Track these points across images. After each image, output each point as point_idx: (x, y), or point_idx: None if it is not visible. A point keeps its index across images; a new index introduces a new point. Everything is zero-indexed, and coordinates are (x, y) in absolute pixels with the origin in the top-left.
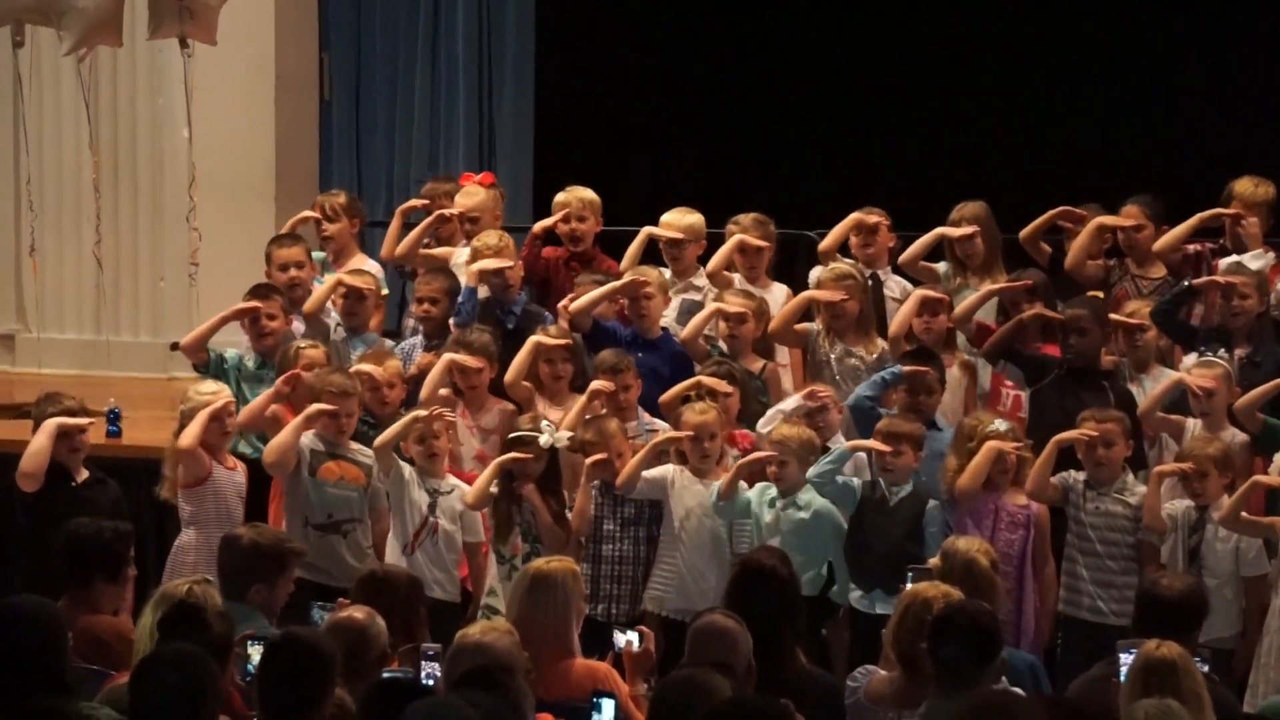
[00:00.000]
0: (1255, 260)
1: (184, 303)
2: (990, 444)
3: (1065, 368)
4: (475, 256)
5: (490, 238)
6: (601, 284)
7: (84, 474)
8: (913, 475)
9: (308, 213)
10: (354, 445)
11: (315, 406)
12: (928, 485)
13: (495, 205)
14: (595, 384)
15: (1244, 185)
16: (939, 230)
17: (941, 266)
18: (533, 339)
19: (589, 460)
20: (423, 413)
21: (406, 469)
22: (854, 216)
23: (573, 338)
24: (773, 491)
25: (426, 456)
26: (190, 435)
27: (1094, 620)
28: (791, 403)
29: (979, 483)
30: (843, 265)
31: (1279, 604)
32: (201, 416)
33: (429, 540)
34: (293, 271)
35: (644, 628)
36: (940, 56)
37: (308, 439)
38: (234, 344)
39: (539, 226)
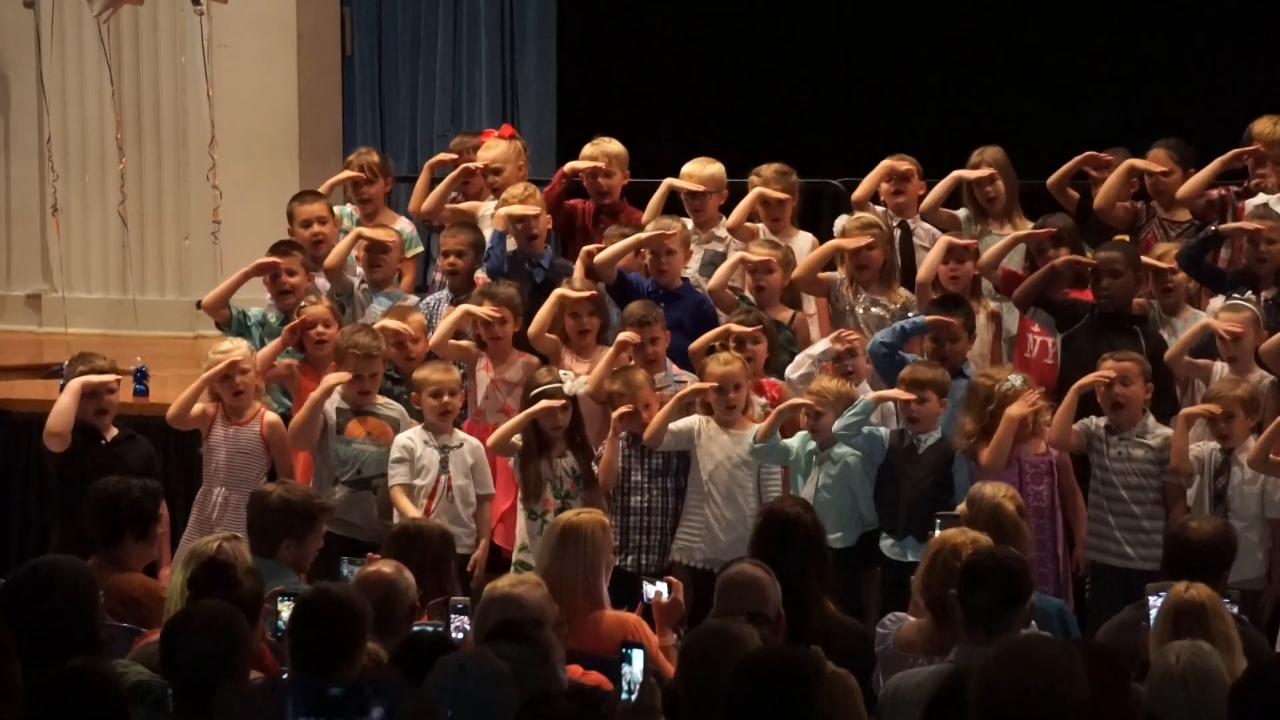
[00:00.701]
0: None
1: (209, 261)
2: (1010, 415)
3: (1097, 312)
4: (504, 205)
5: (517, 188)
6: (624, 235)
7: (113, 432)
8: (942, 422)
9: (349, 173)
10: (380, 399)
11: (332, 379)
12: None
13: (518, 157)
14: (622, 335)
15: (1263, 125)
16: (956, 173)
17: (961, 213)
18: (557, 291)
19: (615, 413)
20: (474, 308)
21: (410, 436)
22: (885, 164)
23: (597, 290)
24: (813, 444)
25: (439, 414)
26: (177, 404)
27: (1121, 565)
28: (820, 347)
29: (1005, 457)
30: (868, 214)
31: None
32: (194, 385)
33: (444, 498)
34: (315, 228)
35: (673, 578)
36: (960, 2)
37: (333, 399)
38: (259, 301)
39: (569, 166)
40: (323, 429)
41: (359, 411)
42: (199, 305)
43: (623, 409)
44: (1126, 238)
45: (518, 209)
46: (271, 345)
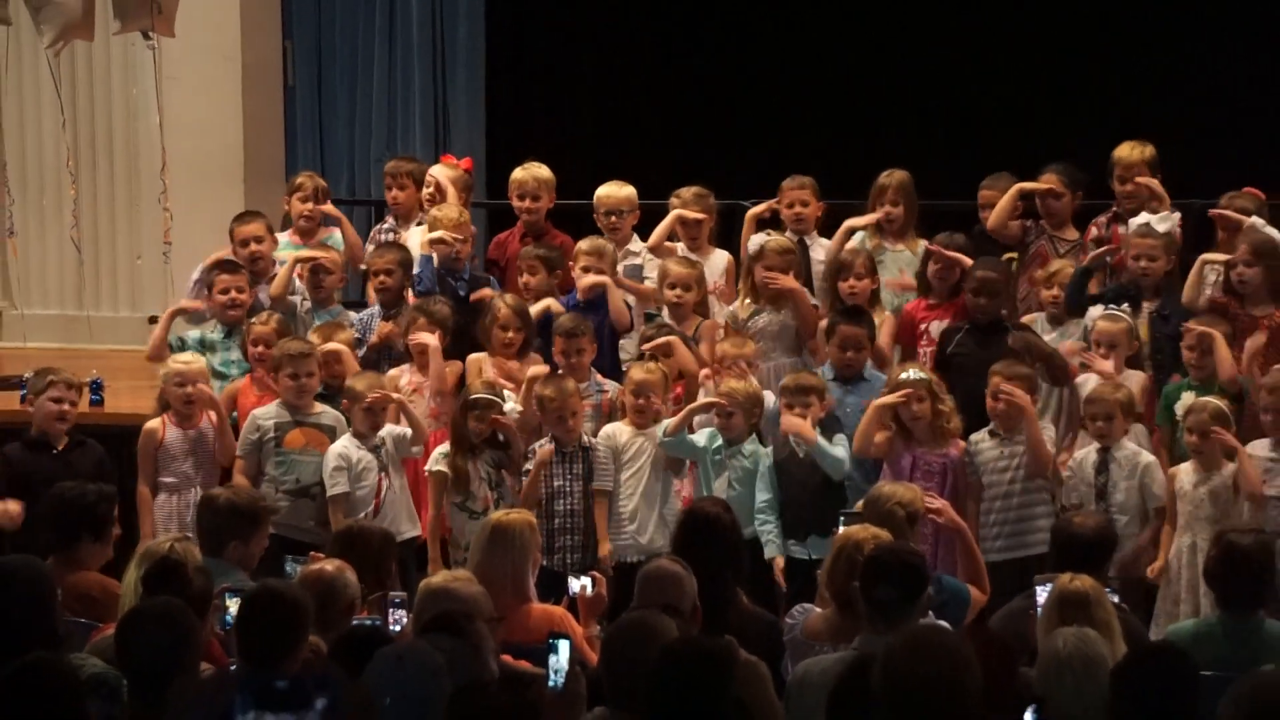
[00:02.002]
0: (1163, 223)
1: (160, 278)
2: (875, 404)
3: (971, 324)
4: (433, 226)
5: (451, 211)
6: (547, 258)
7: (64, 441)
8: (852, 423)
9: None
10: (317, 407)
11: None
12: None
13: (467, 189)
14: (533, 370)
15: (1123, 150)
16: (1019, 186)
17: (858, 237)
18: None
19: (540, 454)
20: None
21: (344, 444)
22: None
23: (524, 306)
24: (720, 440)
25: (369, 422)
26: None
27: (996, 559)
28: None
29: (867, 442)
30: (784, 238)
31: (1184, 543)
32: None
33: (389, 494)
34: (253, 246)
35: (596, 574)
36: (862, 33)
37: (272, 410)
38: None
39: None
40: (260, 442)
41: (298, 422)
42: (151, 320)
43: (542, 455)
44: (1015, 255)
45: (446, 234)
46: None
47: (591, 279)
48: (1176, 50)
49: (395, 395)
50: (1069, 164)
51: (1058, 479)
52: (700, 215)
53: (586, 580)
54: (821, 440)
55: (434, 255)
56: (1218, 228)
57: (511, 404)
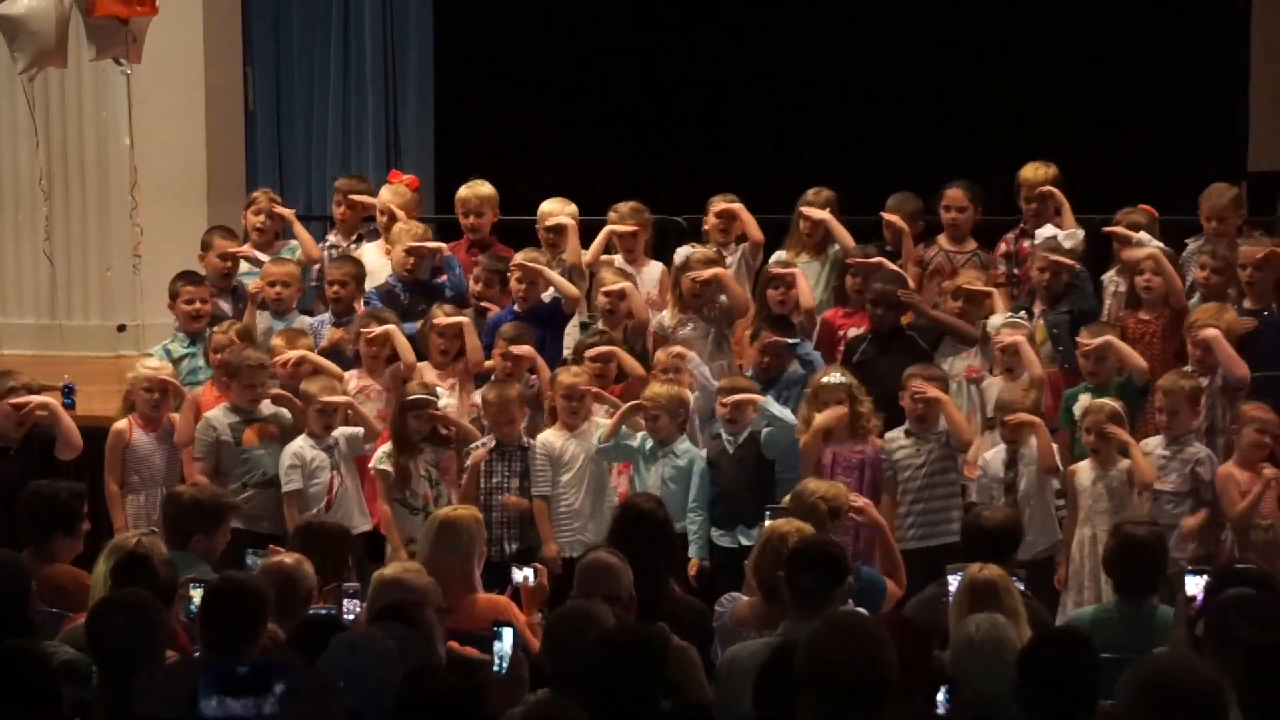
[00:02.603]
0: (1069, 239)
1: (129, 288)
2: (817, 421)
3: (874, 334)
4: (399, 240)
5: (417, 228)
6: (496, 269)
7: (16, 445)
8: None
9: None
10: (261, 404)
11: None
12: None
13: (416, 207)
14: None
15: (1029, 170)
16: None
17: (781, 253)
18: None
19: (472, 459)
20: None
21: (299, 444)
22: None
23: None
24: (651, 442)
25: (323, 423)
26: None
27: (910, 548)
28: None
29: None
30: (709, 250)
31: (1085, 534)
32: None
33: (340, 491)
34: (227, 264)
35: (538, 565)
36: (788, 59)
37: (222, 413)
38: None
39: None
40: (217, 443)
41: (250, 420)
42: (120, 328)
43: (475, 458)
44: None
45: (430, 245)
46: None
47: (430, 245)
48: (1078, 76)
49: (345, 397)
50: (971, 181)
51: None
52: (631, 228)
53: (529, 571)
54: (777, 408)
55: (408, 264)
56: (1113, 241)
57: (445, 399)
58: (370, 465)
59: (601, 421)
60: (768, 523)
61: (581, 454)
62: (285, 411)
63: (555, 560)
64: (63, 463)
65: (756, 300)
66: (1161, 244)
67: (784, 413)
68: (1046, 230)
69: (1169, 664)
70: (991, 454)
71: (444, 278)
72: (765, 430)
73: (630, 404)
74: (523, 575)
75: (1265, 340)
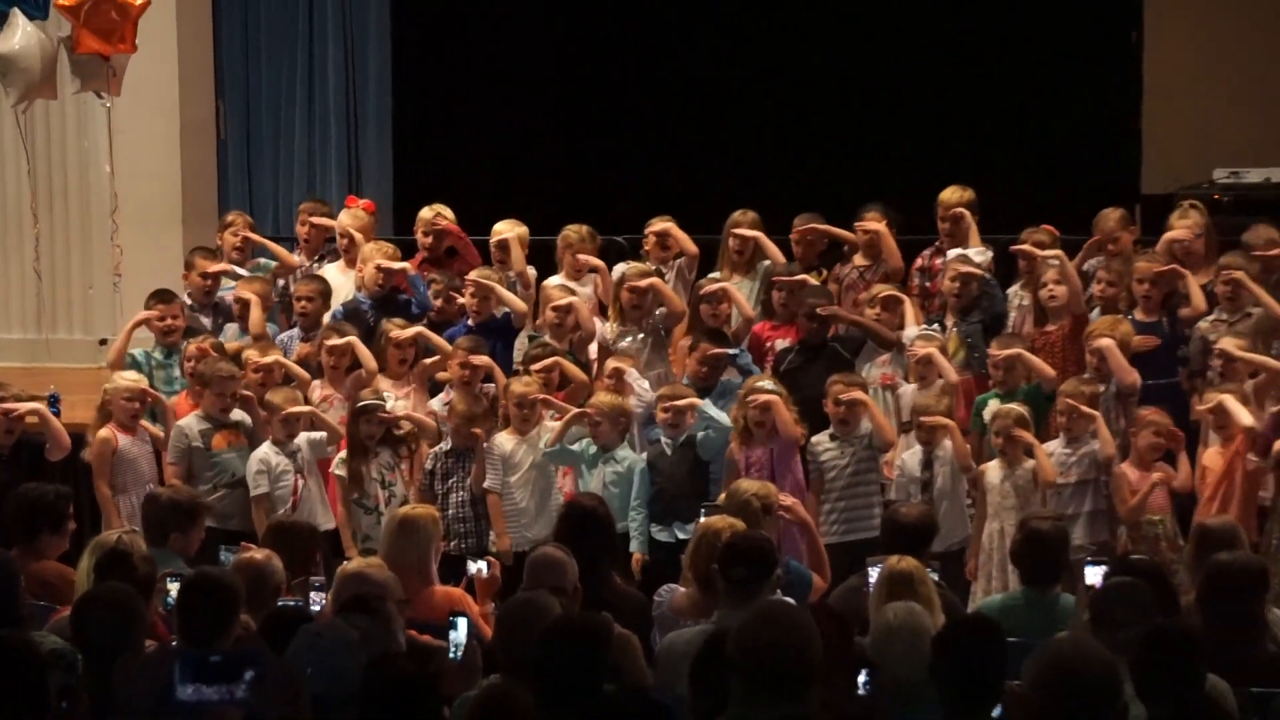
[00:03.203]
0: (979, 255)
1: (110, 306)
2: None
3: (800, 345)
4: (368, 259)
5: (386, 246)
6: (453, 286)
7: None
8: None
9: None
10: (234, 413)
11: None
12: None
13: (372, 230)
14: (443, 376)
15: (948, 193)
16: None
17: (716, 274)
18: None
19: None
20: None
21: (265, 451)
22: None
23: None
24: (594, 448)
25: (287, 431)
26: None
27: (833, 542)
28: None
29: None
30: (646, 265)
31: (994, 528)
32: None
33: (304, 493)
34: (209, 282)
35: (491, 558)
36: (714, 89)
37: (194, 420)
38: (142, 343)
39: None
40: (190, 449)
41: (219, 426)
42: (102, 342)
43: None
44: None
45: (398, 265)
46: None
47: (398, 265)
48: (989, 107)
49: (306, 407)
50: (885, 204)
51: None
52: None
53: (483, 564)
54: (714, 411)
55: (379, 280)
56: (1019, 259)
57: (393, 401)
58: (331, 469)
59: (551, 426)
60: (703, 519)
61: (531, 457)
62: (244, 415)
63: (507, 553)
64: (49, 467)
65: (690, 315)
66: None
67: (721, 416)
68: (958, 249)
69: (1069, 646)
70: (908, 455)
71: (408, 294)
72: (701, 434)
73: (576, 411)
74: (476, 568)
75: (1157, 351)
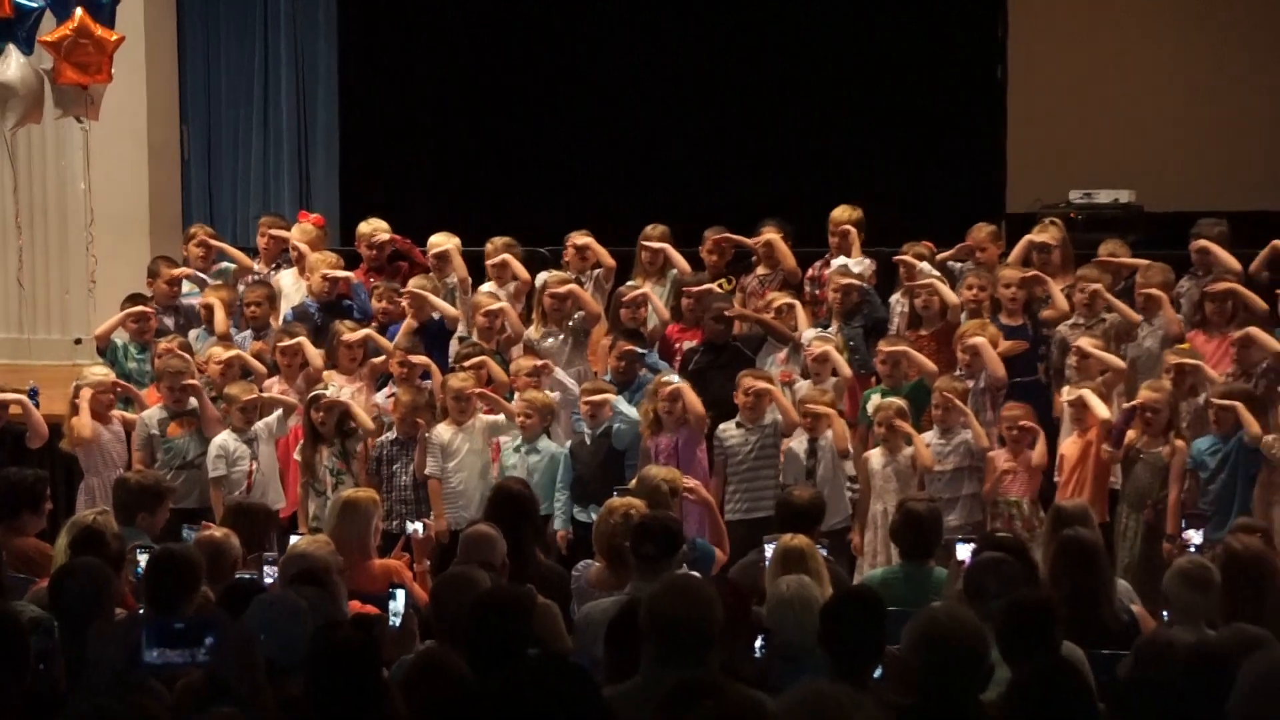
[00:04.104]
0: (858, 265)
1: (84, 309)
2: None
3: (706, 345)
4: (315, 269)
5: (330, 256)
6: (394, 291)
7: None
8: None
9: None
10: (191, 402)
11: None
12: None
13: (321, 241)
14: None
15: (838, 211)
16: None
17: (637, 282)
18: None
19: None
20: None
21: (224, 438)
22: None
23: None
24: (519, 439)
25: (244, 420)
26: (86, 427)
27: (735, 519)
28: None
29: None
30: (564, 273)
31: (877, 509)
32: (83, 415)
33: (258, 476)
34: (172, 287)
35: (428, 520)
36: (626, 111)
37: (154, 412)
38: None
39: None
40: (150, 438)
41: (174, 415)
42: (77, 341)
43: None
44: (730, 284)
45: (340, 273)
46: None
47: (340, 273)
48: (874, 134)
49: (257, 394)
50: (781, 218)
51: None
52: (504, 257)
53: (419, 525)
54: (626, 407)
55: (325, 288)
56: (900, 268)
57: (333, 388)
58: (295, 454)
59: (484, 418)
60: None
61: (467, 445)
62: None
63: (444, 532)
64: (29, 452)
65: (610, 318)
66: (938, 271)
67: (632, 412)
68: (841, 260)
69: (942, 615)
70: (795, 443)
71: (351, 300)
72: (616, 426)
73: (510, 407)
74: (413, 529)
75: (1021, 351)
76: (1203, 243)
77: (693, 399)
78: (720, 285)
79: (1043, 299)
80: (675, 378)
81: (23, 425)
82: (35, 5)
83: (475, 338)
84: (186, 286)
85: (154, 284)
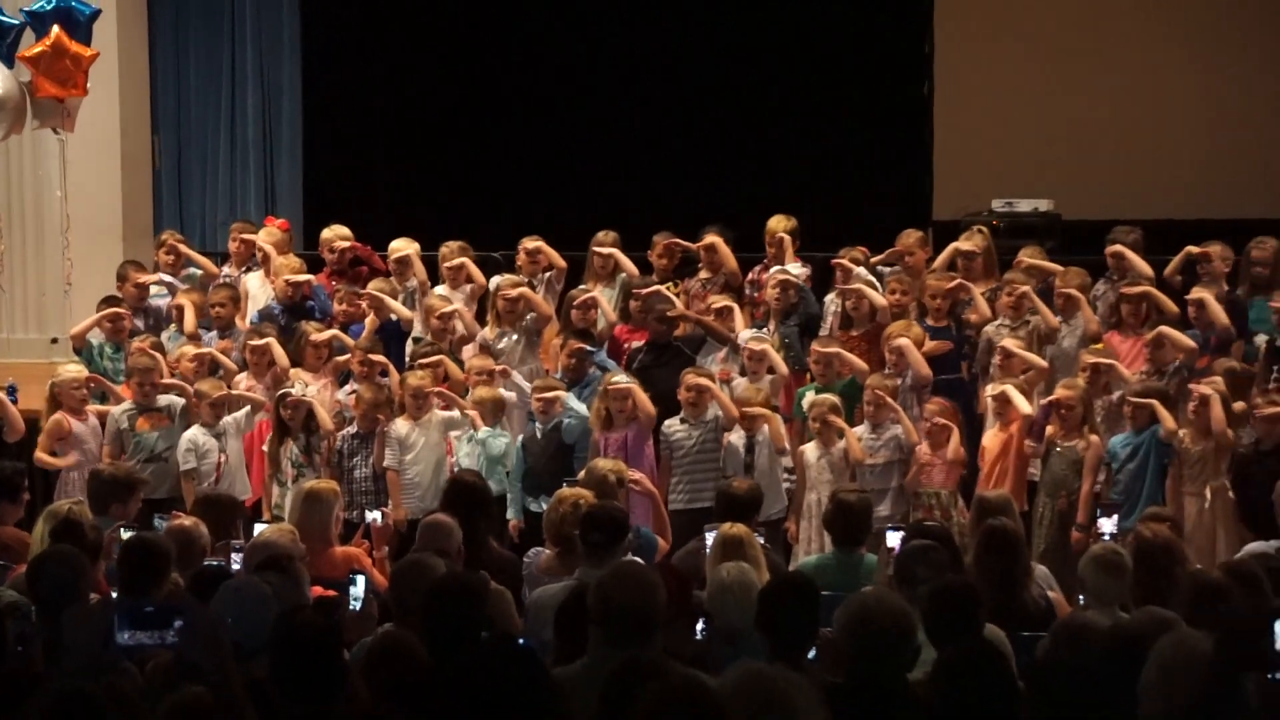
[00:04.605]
0: (795, 269)
1: (61, 310)
2: (595, 411)
3: (650, 345)
4: (279, 273)
5: (294, 261)
6: (354, 292)
7: None
8: (563, 414)
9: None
10: (159, 399)
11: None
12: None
13: (287, 244)
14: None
15: (774, 221)
16: (1186, 249)
17: (604, 287)
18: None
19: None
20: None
21: (194, 432)
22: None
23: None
24: (473, 431)
25: (214, 415)
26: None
27: (678, 509)
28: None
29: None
30: (517, 276)
31: (811, 499)
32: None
33: (225, 468)
34: (141, 290)
35: (385, 510)
36: (584, 125)
37: (123, 408)
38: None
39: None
40: (119, 432)
41: (142, 410)
42: (53, 341)
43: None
44: (673, 286)
45: (302, 277)
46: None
47: (302, 277)
48: (809, 146)
49: (225, 390)
50: (722, 224)
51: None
52: (461, 261)
53: (378, 514)
54: (576, 403)
55: (288, 291)
56: (836, 272)
57: (299, 385)
58: (263, 446)
59: (440, 414)
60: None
61: (424, 439)
62: (178, 400)
63: (402, 521)
64: (5, 447)
65: (562, 319)
66: (870, 274)
67: (581, 408)
68: (778, 266)
69: (871, 599)
70: (735, 438)
71: (313, 302)
72: (566, 421)
73: (465, 403)
74: (373, 517)
75: (945, 351)
76: (1118, 248)
77: (643, 398)
78: (668, 287)
79: (965, 302)
80: (624, 378)
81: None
82: (16, 22)
83: (429, 337)
84: (154, 289)
85: (123, 287)
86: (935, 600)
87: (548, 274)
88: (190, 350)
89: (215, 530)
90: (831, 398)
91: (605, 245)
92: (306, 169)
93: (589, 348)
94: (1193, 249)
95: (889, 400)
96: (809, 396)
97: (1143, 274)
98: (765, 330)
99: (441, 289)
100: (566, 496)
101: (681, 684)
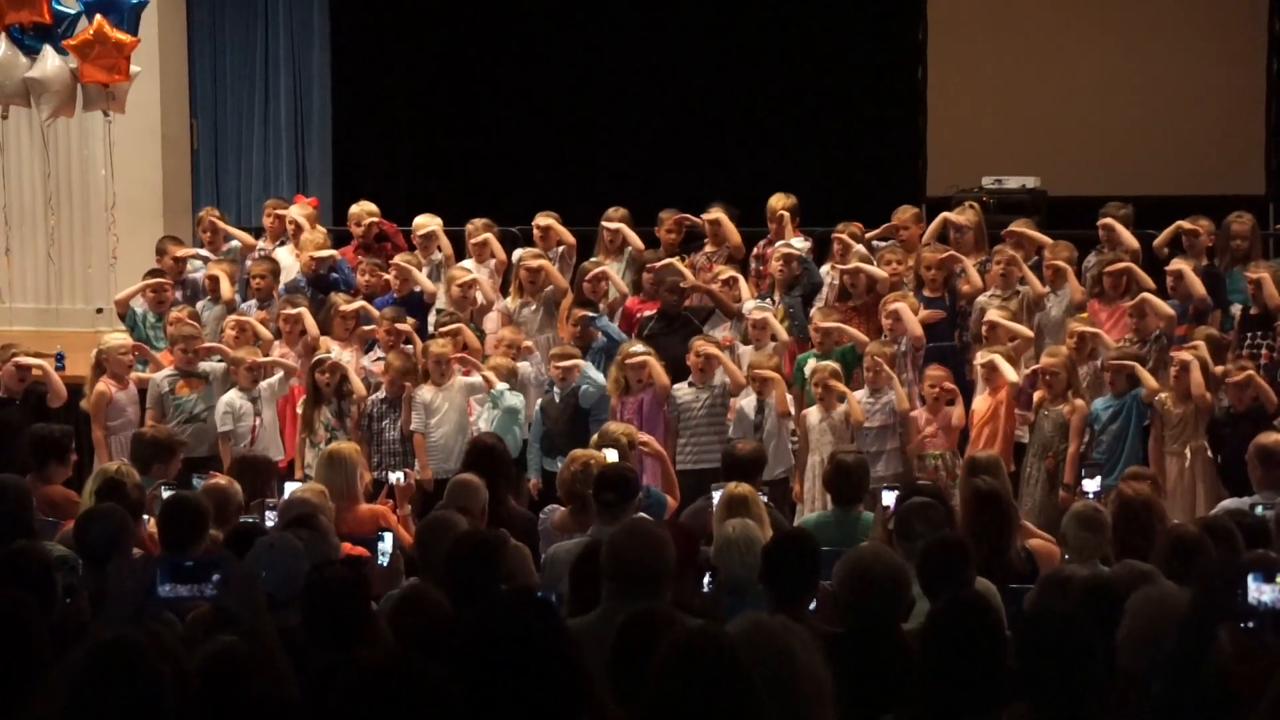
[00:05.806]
0: (798, 242)
1: (106, 282)
2: (612, 378)
3: (660, 314)
4: (305, 248)
5: (318, 236)
6: (377, 265)
7: (20, 395)
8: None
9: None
10: (201, 365)
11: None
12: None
13: (315, 219)
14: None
15: (774, 199)
16: (1176, 224)
17: (604, 261)
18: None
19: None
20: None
21: (231, 395)
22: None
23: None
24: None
25: (250, 380)
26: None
27: (685, 469)
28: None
29: (615, 390)
30: (533, 249)
31: (813, 461)
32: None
33: (260, 430)
34: (179, 264)
35: (408, 470)
36: (593, 106)
37: (164, 373)
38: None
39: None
40: (161, 397)
41: (183, 375)
42: (98, 311)
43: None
44: (682, 259)
45: (324, 252)
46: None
47: (324, 251)
48: (811, 126)
49: (265, 358)
50: (726, 201)
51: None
52: (485, 237)
53: (400, 474)
54: (594, 372)
55: (312, 265)
56: (835, 245)
57: (336, 351)
58: (296, 407)
59: (461, 380)
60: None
61: (446, 403)
62: (217, 366)
63: (429, 481)
64: (53, 410)
65: (575, 291)
66: (866, 250)
67: (597, 375)
68: (781, 241)
69: (868, 554)
70: (745, 403)
71: (336, 275)
72: (583, 388)
73: (483, 370)
74: (395, 478)
75: (939, 320)
76: (1107, 220)
77: (658, 369)
78: (678, 259)
79: (958, 274)
80: (640, 348)
81: (45, 386)
82: (72, 11)
83: (450, 307)
84: (191, 263)
85: (162, 260)
86: (928, 554)
87: (560, 248)
88: (233, 319)
89: (250, 489)
90: (832, 364)
91: (614, 221)
92: (335, 149)
93: (590, 313)
94: (1184, 224)
95: (886, 368)
96: (811, 363)
97: (1129, 247)
98: (770, 301)
99: (468, 263)
100: (578, 457)
101: (699, 632)
